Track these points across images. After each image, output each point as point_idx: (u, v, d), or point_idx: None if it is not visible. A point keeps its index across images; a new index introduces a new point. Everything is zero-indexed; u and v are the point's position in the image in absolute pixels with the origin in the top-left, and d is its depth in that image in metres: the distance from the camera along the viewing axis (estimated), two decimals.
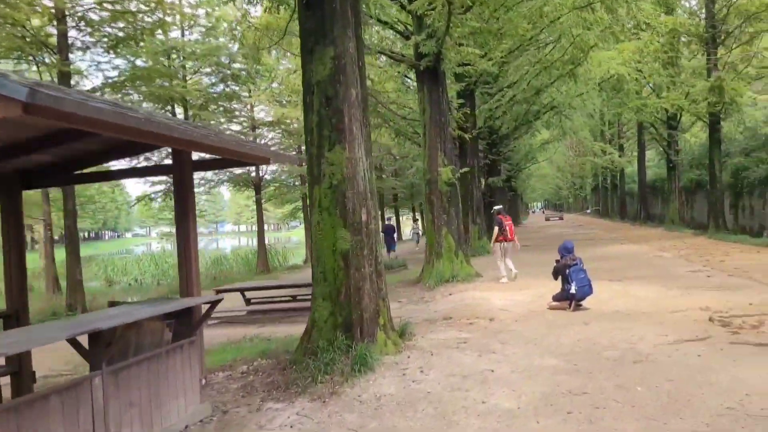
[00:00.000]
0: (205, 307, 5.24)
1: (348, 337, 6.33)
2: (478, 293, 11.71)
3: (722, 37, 23.64)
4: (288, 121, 29.00)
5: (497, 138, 29.27)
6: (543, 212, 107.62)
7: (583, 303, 9.16)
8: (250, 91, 26.03)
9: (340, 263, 6.46)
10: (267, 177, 29.40)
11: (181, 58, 21.06)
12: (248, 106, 26.91)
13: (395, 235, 27.21)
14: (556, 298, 9.26)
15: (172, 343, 4.72)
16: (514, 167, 49.40)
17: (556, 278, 9.36)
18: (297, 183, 33.34)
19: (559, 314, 8.87)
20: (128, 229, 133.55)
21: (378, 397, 5.25)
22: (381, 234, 23.79)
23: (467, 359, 6.36)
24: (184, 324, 4.91)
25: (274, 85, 26.06)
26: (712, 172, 24.04)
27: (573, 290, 8.89)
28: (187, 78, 22.12)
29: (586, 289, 8.96)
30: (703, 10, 25.01)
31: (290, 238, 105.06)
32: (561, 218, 65.76)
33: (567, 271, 9.04)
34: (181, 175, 5.09)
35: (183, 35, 22.28)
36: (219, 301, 5.17)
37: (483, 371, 5.81)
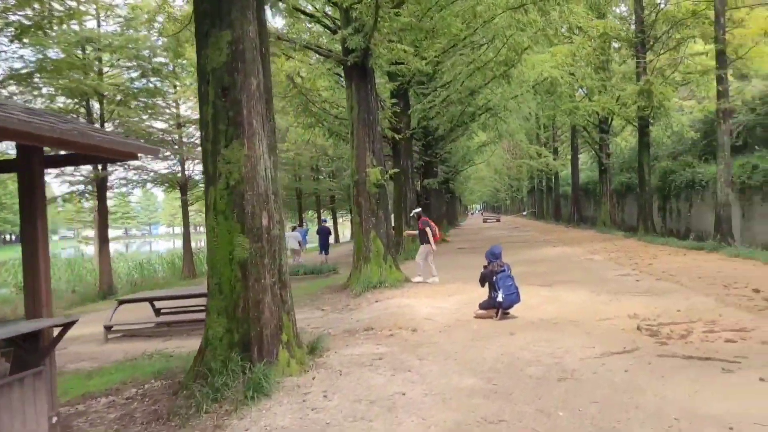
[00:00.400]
0: (57, 330, 4.39)
1: (245, 357, 5.60)
2: (405, 300, 11.16)
3: (651, 43, 24.05)
4: None
5: (433, 139, 28.97)
6: (482, 214, 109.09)
7: (511, 311, 8.72)
8: (175, 87, 24.76)
9: (238, 273, 5.73)
10: (196, 177, 28.13)
11: (97, 50, 19.66)
12: (173, 103, 25.57)
13: (330, 237, 26.75)
14: (482, 306, 8.78)
15: (10, 375, 3.88)
16: (451, 169, 49.46)
17: (482, 285, 8.88)
18: None
19: (485, 324, 8.39)
20: (54, 231, 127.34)
21: (268, 431, 4.55)
22: (297, 236, 23.13)
23: (379, 380, 5.73)
24: (29, 351, 4.08)
25: None
26: (641, 176, 24.42)
27: (500, 298, 8.42)
28: (104, 72, 20.74)
29: (514, 297, 8.50)
30: (633, 16, 25.40)
31: None
32: (498, 220, 66.49)
33: (494, 277, 8.56)
34: (27, 173, 4.25)
35: (99, 26, 20.86)
36: (72, 323, 4.34)
37: (393, 395, 5.19)
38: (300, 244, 24.13)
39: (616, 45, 29.08)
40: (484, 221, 66.97)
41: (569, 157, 45.06)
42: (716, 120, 17.77)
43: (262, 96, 6.00)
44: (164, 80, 23.08)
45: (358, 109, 13.79)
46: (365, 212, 13.68)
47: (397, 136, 19.47)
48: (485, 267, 8.86)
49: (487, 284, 8.76)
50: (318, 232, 23.94)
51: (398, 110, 20.52)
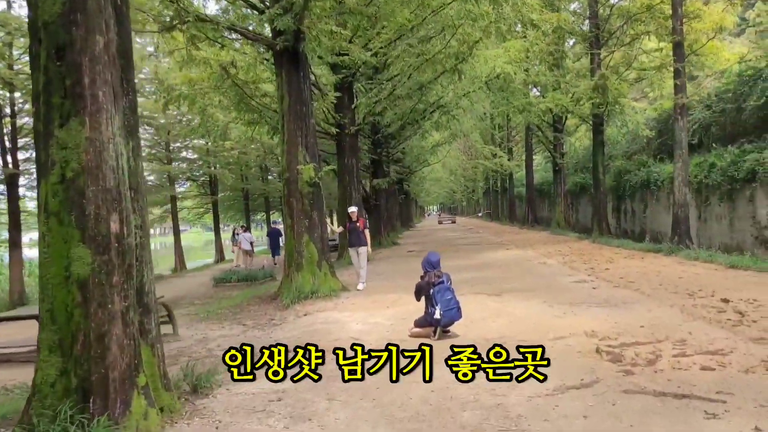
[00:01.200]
0: None
1: (84, 409, 4.15)
2: (336, 314, 9.81)
3: (605, 38, 23.31)
4: (153, 114, 26.05)
5: (382, 137, 27.71)
6: (439, 215, 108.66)
7: (451, 328, 7.46)
8: None
9: (76, 296, 4.27)
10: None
11: (4, 34, 17.71)
12: None
13: (281, 240, 25.82)
14: (418, 324, 7.49)
15: None
16: (405, 169, 48.42)
17: (418, 299, 7.59)
18: (160, 182, 30.30)
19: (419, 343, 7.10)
20: None
21: None
22: (251, 237, 22.21)
23: None
24: None
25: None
26: (595, 175, 23.65)
27: (437, 315, 7.14)
28: (16, 59, 18.75)
29: (454, 313, 7.23)
30: (588, 11, 24.65)
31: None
32: (454, 221, 65.78)
33: (431, 290, 7.28)
34: None
35: (9, 7, 18.84)
36: None
37: None
38: (252, 246, 23.08)
39: (570, 42, 28.40)
40: (440, 222, 66.23)
41: (524, 157, 44.45)
42: (673, 116, 16.99)
43: (114, 60, 4.54)
44: None
45: (289, 100, 12.38)
46: (297, 214, 12.27)
47: (334, 131, 18.09)
48: (422, 277, 7.57)
49: (423, 298, 7.48)
50: (268, 235, 23.38)
51: (342, 104, 19.16)
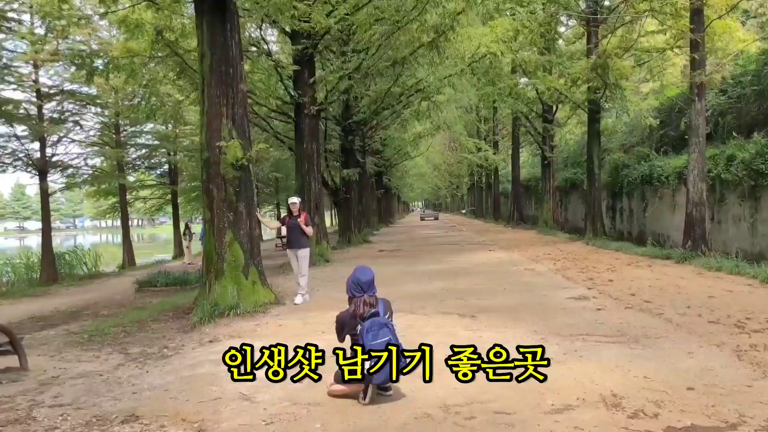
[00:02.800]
0: None
1: None
2: (251, 340, 7.07)
3: (604, 15, 20.67)
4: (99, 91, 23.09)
5: (354, 123, 24.98)
6: (423, 211, 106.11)
7: (392, 386, 4.77)
8: (36, 45, 19.65)
9: None
10: (64, 158, 23.24)
11: None
12: (30, 66, 20.52)
13: None
14: (338, 379, 4.76)
15: None
16: (385, 162, 45.69)
17: (341, 338, 4.86)
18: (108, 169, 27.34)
19: (338, 416, 4.41)
20: None
21: None
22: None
23: None
24: None
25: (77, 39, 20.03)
26: (590, 169, 21.05)
27: (368, 365, 4.44)
28: None
29: (392, 366, 4.52)
30: None
31: (157, 235, 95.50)
32: (436, 218, 63.17)
33: (358, 327, 4.58)
34: None
35: None
36: None
37: None
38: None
39: (564, 22, 25.81)
40: (422, 219, 63.58)
41: (510, 152, 41.81)
42: (689, 98, 14.41)
43: None
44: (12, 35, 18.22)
45: (211, 59, 9.58)
46: (218, 205, 9.50)
47: (292, 111, 15.38)
48: (348, 308, 4.85)
49: (348, 338, 4.77)
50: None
51: (301, 80, 16.48)
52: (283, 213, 15.25)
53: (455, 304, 8.99)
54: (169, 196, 32.66)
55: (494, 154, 42.68)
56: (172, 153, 30.86)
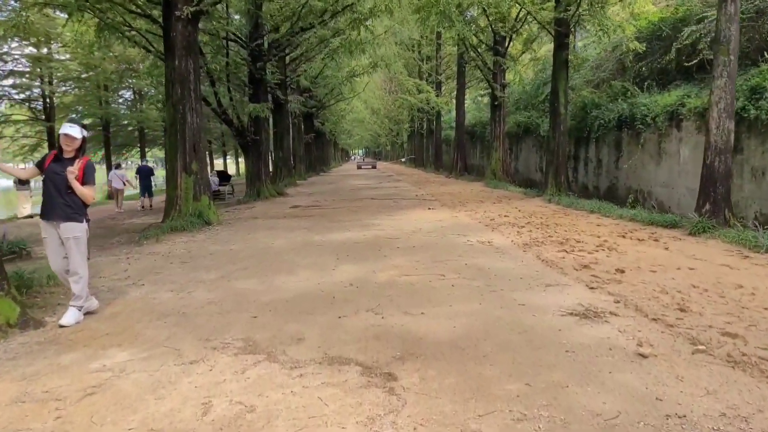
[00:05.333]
0: None
1: None
2: None
3: None
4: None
5: (265, 47, 20.03)
6: (362, 159, 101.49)
7: None
8: None
9: None
10: None
11: None
12: None
13: (153, 179, 22.53)
14: None
15: None
16: (318, 103, 40.64)
17: None
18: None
19: None
20: None
21: None
22: (123, 175, 20.48)
23: None
24: None
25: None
26: (554, 107, 16.91)
27: None
28: None
29: None
30: None
31: None
32: (374, 167, 58.84)
33: None
34: None
35: None
36: None
37: None
38: (127, 184, 20.65)
39: None
40: (359, 167, 59.14)
41: (455, 94, 37.41)
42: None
43: None
44: None
45: None
46: None
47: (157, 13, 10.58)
48: None
49: None
50: (137, 173, 21.22)
51: None
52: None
53: (360, 330, 4.72)
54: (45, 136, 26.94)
55: (437, 96, 38.24)
56: (45, 81, 25.07)
